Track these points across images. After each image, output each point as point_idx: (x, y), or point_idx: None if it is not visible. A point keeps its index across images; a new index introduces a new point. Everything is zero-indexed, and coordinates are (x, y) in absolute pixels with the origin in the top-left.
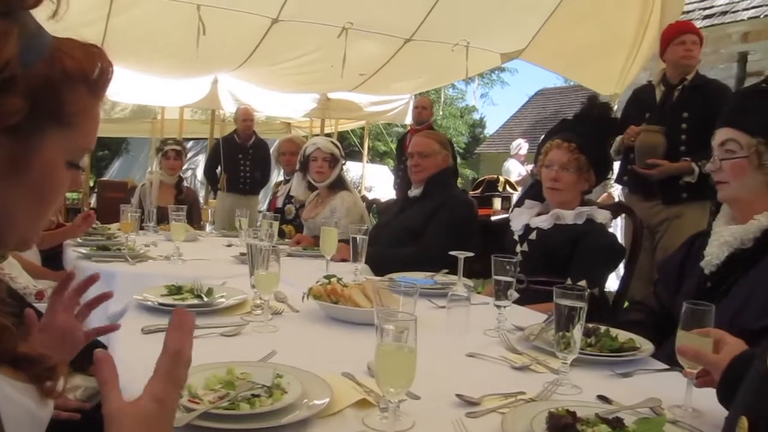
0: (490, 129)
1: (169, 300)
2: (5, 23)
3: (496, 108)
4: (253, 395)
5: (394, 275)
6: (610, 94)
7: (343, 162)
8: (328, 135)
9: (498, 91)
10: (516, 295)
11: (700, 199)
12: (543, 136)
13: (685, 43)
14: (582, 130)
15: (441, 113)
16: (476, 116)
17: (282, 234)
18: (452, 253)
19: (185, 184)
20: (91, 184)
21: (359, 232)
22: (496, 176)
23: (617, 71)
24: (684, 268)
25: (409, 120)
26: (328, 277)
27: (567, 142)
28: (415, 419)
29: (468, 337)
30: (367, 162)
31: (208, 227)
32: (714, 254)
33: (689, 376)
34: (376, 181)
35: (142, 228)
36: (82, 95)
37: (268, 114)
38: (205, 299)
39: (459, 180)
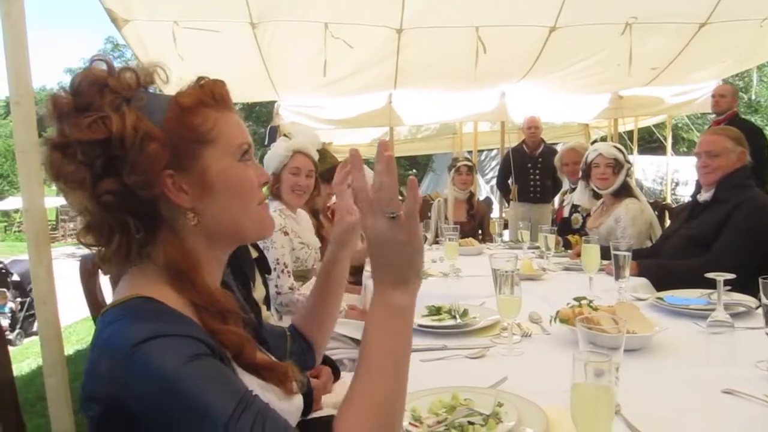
0: None
1: (428, 321)
2: (122, 106)
3: None
4: (469, 422)
5: (665, 294)
6: None
7: (629, 166)
8: (628, 133)
9: None
10: None
11: None
12: None
13: None
14: None
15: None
16: None
17: (567, 245)
18: (709, 275)
19: (477, 198)
20: None
21: (620, 249)
22: None
23: None
24: None
25: None
26: (578, 299)
27: None
28: None
29: (732, 369)
30: (672, 155)
31: (498, 238)
32: None
33: None
34: (687, 176)
35: (437, 242)
36: (209, 114)
37: (558, 120)
38: (459, 320)
39: None
